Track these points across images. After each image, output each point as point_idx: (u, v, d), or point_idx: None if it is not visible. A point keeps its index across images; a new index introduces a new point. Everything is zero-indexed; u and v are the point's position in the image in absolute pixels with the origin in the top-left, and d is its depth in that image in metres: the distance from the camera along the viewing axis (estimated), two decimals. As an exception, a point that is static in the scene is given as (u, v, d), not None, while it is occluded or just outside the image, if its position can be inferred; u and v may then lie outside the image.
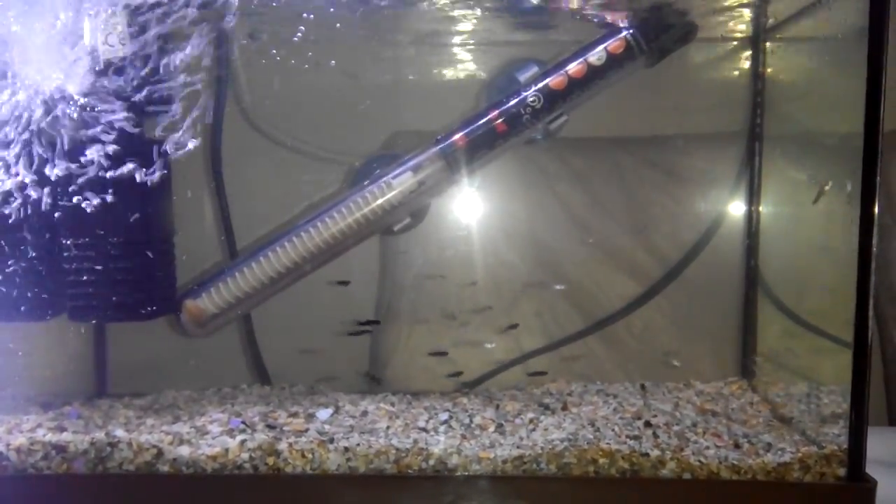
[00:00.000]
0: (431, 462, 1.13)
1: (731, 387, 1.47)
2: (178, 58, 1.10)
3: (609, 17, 1.25)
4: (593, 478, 1.11)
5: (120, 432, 1.17)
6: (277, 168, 1.50)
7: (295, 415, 1.27)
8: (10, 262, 1.21)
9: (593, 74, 1.24)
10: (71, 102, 1.14)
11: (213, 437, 1.18)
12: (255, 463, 1.13)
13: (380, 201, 1.27)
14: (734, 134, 1.49)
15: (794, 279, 1.42)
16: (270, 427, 1.22)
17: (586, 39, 1.26)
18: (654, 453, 1.12)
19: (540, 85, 1.25)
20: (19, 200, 1.17)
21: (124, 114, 1.14)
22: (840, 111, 1.18)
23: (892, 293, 1.53)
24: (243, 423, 1.23)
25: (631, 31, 1.23)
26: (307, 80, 1.40)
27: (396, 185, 1.27)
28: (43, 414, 1.29)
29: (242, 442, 1.15)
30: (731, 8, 1.29)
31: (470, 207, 1.47)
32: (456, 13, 1.30)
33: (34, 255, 1.22)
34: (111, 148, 1.15)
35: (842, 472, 1.10)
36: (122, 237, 1.21)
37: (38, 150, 1.14)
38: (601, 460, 1.12)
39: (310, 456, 1.13)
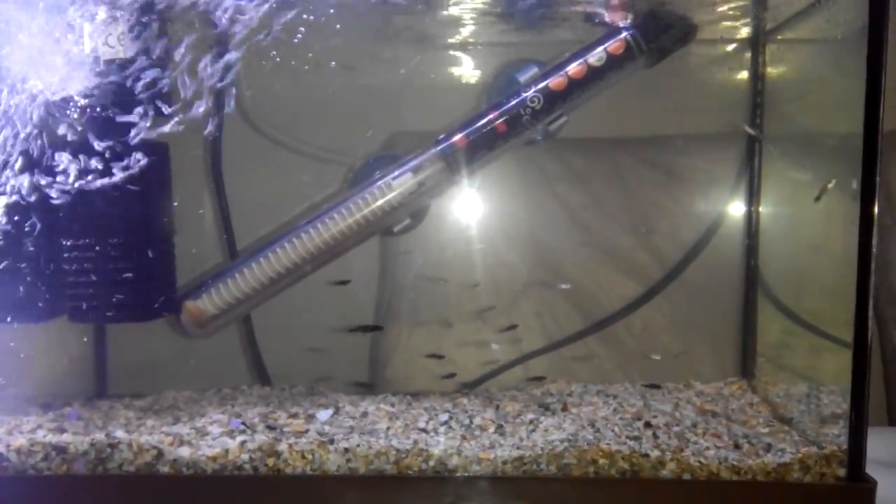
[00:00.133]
0: (431, 463, 1.13)
1: (731, 387, 1.47)
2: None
3: (609, 18, 1.25)
4: (593, 478, 1.11)
5: (120, 433, 1.17)
6: (277, 168, 1.50)
7: (295, 416, 1.27)
8: (9, 263, 1.21)
9: (593, 75, 1.24)
10: (71, 103, 1.14)
11: (214, 437, 1.18)
12: (256, 464, 1.13)
13: (380, 202, 1.27)
14: (734, 134, 1.49)
15: (794, 279, 1.42)
16: (270, 428, 1.22)
17: (587, 40, 1.26)
18: (654, 454, 1.12)
19: (540, 86, 1.25)
20: (19, 201, 1.17)
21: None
22: (840, 111, 1.18)
23: (892, 293, 1.53)
24: (243, 423, 1.23)
25: (631, 31, 1.23)
26: (307, 81, 1.40)
27: (396, 185, 1.27)
28: (43, 415, 1.29)
29: (242, 443, 1.15)
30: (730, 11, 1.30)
31: (470, 208, 1.47)
32: (457, 13, 1.30)
33: (34, 255, 1.22)
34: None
35: (842, 472, 1.09)
36: (121, 238, 1.21)
37: (37, 150, 1.15)
38: (601, 461, 1.12)
39: (310, 457, 1.13)
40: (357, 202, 1.27)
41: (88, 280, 1.22)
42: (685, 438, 1.18)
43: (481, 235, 1.48)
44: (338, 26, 1.24)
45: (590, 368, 1.53)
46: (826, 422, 1.20)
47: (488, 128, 1.26)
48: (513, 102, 1.26)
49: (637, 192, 1.51)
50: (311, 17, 1.18)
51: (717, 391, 1.45)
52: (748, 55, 1.48)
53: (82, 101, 1.14)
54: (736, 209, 1.50)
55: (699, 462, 1.11)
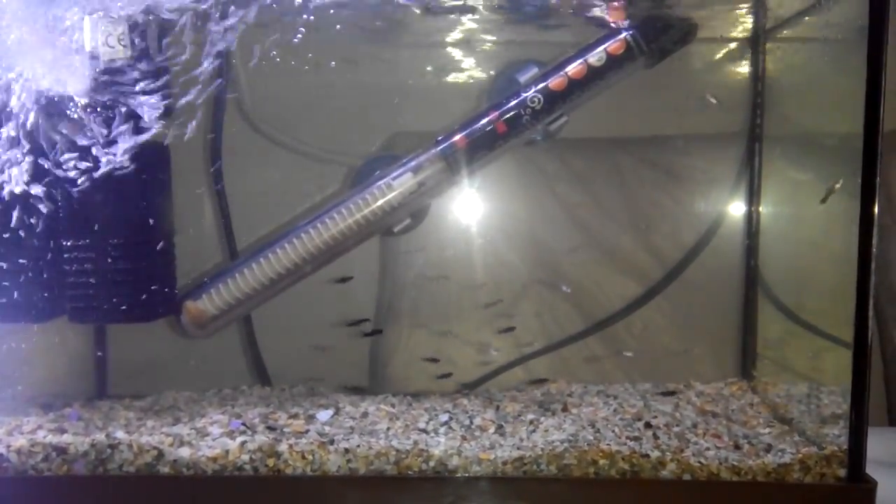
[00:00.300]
0: (432, 463, 1.13)
1: (731, 387, 1.46)
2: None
3: (609, 18, 1.25)
4: (593, 479, 1.11)
5: (120, 434, 1.17)
6: (277, 168, 1.50)
7: (295, 416, 1.27)
8: (9, 263, 1.21)
9: (593, 75, 1.24)
10: (71, 103, 1.14)
11: (214, 438, 1.18)
12: (256, 464, 1.13)
13: (380, 202, 1.27)
14: (734, 134, 1.49)
15: (794, 279, 1.42)
16: (271, 428, 1.22)
17: (586, 40, 1.26)
18: (655, 454, 1.12)
19: (540, 86, 1.25)
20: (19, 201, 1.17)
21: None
22: (840, 111, 1.18)
23: (892, 293, 1.53)
24: (243, 424, 1.23)
25: (631, 32, 1.23)
26: (307, 81, 1.40)
27: (397, 186, 1.27)
28: (43, 415, 1.29)
29: (243, 443, 1.15)
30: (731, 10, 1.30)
31: (470, 208, 1.47)
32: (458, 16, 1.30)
33: (34, 255, 1.22)
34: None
35: (842, 472, 1.10)
36: (122, 238, 1.21)
37: (36, 150, 1.15)
38: (601, 461, 1.12)
39: (310, 457, 1.13)
40: (357, 202, 1.27)
41: (88, 280, 1.22)
42: (685, 439, 1.18)
43: (481, 235, 1.48)
44: (338, 27, 1.24)
45: (590, 368, 1.53)
46: (826, 422, 1.20)
47: (488, 128, 1.26)
48: (513, 103, 1.26)
49: (637, 192, 1.51)
50: (311, 18, 1.19)
51: (718, 391, 1.45)
52: (748, 55, 1.48)
53: (82, 101, 1.14)
54: (736, 209, 1.50)
55: (699, 462, 1.11)
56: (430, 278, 1.50)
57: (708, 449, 1.15)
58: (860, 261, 1.05)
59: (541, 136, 1.29)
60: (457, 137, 1.27)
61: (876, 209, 1.04)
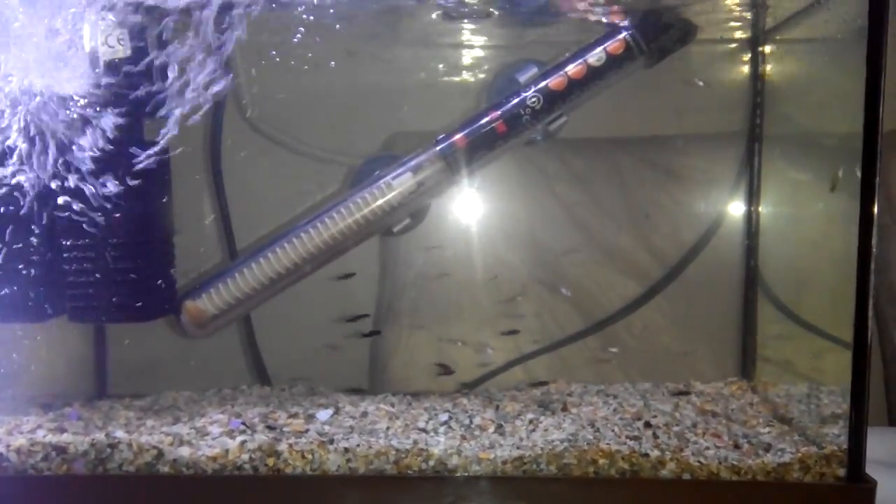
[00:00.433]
0: (431, 463, 1.13)
1: (731, 387, 1.46)
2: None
3: (609, 18, 1.25)
4: (593, 478, 1.11)
5: (120, 433, 1.17)
6: (277, 168, 1.50)
7: (295, 416, 1.27)
8: (9, 263, 1.21)
9: (593, 75, 1.24)
10: (71, 103, 1.14)
11: (214, 438, 1.18)
12: (255, 464, 1.13)
13: (380, 202, 1.27)
14: (734, 134, 1.49)
15: (794, 279, 1.43)
16: (270, 428, 1.22)
17: (586, 40, 1.26)
18: (654, 454, 1.12)
19: (539, 86, 1.25)
20: (19, 201, 1.17)
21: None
22: (840, 111, 1.18)
23: (892, 293, 1.53)
24: (243, 424, 1.23)
25: (630, 31, 1.23)
26: (307, 81, 1.40)
27: (396, 185, 1.27)
28: (43, 415, 1.29)
29: (242, 443, 1.15)
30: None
31: (470, 208, 1.47)
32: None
33: (34, 255, 1.22)
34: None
35: (842, 472, 1.09)
36: (122, 238, 1.21)
37: (36, 149, 1.15)
38: (601, 461, 1.12)
39: (310, 457, 1.13)
40: (357, 202, 1.27)
41: (88, 280, 1.22)
42: (685, 438, 1.18)
43: (481, 235, 1.48)
44: (337, 26, 1.24)
45: (589, 368, 1.53)
46: (826, 422, 1.20)
47: (488, 128, 1.26)
48: (513, 102, 1.26)
49: (637, 193, 1.51)
50: (311, 18, 1.19)
51: (717, 391, 1.45)
52: (748, 54, 1.48)
53: (82, 101, 1.14)
54: (736, 209, 1.50)
55: (699, 462, 1.11)
56: (430, 278, 1.50)
57: (708, 448, 1.15)
58: (860, 261, 1.05)
59: (541, 136, 1.29)
60: (456, 137, 1.27)
61: (875, 209, 1.04)
